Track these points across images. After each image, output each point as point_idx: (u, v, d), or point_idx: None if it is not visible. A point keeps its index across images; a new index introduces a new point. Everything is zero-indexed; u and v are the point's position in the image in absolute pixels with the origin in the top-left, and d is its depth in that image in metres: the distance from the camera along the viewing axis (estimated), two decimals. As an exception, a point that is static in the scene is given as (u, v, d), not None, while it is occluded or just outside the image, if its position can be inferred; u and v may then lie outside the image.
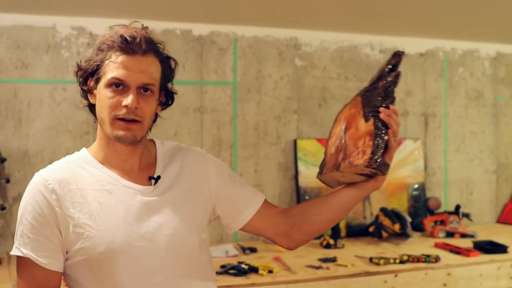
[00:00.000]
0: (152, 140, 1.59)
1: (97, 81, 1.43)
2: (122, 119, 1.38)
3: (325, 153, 1.67)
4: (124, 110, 1.38)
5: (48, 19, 2.95)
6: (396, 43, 3.65)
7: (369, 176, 1.51)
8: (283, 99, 3.40)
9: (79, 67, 1.48)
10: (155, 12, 2.92)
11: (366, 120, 1.49)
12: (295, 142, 3.40)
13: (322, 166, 1.66)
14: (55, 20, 2.96)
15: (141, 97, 1.40)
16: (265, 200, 1.65)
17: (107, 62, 1.40)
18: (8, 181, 2.79)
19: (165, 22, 3.14)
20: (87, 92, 1.48)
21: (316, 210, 1.60)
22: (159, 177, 1.48)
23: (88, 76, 1.46)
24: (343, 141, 1.55)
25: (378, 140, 1.42)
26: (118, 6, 2.78)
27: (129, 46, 1.39)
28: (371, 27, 3.44)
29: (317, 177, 1.67)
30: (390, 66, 1.55)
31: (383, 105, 1.48)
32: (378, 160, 1.42)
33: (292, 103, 3.43)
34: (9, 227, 2.86)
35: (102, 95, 1.40)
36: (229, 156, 3.28)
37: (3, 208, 2.71)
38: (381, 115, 1.45)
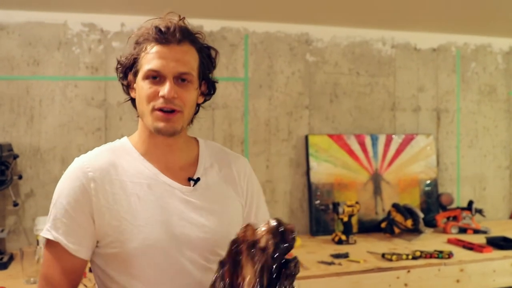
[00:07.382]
0: (195, 139, 1.57)
1: (135, 74, 1.42)
2: (161, 110, 1.37)
3: None
4: (161, 100, 1.36)
5: (59, 16, 2.95)
6: (408, 38, 3.63)
7: None
8: (295, 95, 3.39)
9: (118, 62, 1.48)
10: (165, 8, 2.90)
11: None
12: (306, 138, 3.39)
13: None
14: (66, 17, 2.97)
15: (180, 87, 1.38)
16: None
17: (143, 54, 1.39)
18: (20, 177, 2.80)
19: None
20: (128, 87, 1.47)
21: None
22: (198, 179, 1.46)
23: (127, 70, 1.45)
24: None
25: None
26: (129, 3, 2.78)
27: (163, 36, 1.39)
28: (383, 22, 3.42)
29: None
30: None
31: None
32: None
33: (303, 98, 3.42)
34: (22, 223, 2.87)
35: (140, 87, 1.40)
36: (241, 152, 3.27)
37: (16, 205, 2.72)
38: None
